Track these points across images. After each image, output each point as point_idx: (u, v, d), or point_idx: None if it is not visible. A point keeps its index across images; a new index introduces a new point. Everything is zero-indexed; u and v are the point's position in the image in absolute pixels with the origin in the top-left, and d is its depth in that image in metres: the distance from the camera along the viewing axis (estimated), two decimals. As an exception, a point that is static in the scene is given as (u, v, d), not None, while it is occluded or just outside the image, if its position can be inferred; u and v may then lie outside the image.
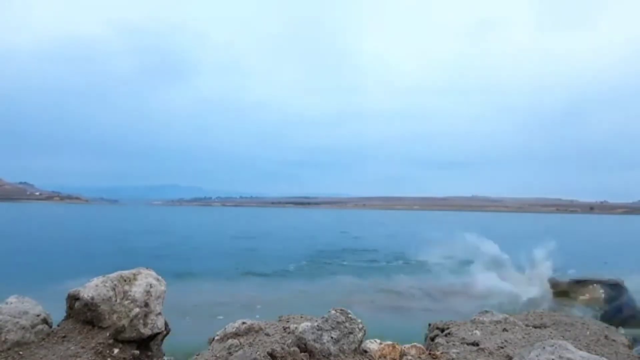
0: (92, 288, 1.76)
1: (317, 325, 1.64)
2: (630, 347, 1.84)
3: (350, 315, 1.74)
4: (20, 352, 1.55)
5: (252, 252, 26.06)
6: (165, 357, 1.95)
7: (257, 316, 2.25)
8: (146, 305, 1.83)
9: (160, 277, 2.00)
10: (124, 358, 1.69)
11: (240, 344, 1.79)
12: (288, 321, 2.06)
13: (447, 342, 1.86)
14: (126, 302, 1.77)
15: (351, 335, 1.66)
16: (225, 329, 2.01)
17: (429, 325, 2.26)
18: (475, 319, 2.16)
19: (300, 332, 1.64)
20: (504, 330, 1.93)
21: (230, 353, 1.72)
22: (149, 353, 1.87)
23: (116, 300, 1.75)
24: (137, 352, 1.77)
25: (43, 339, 1.68)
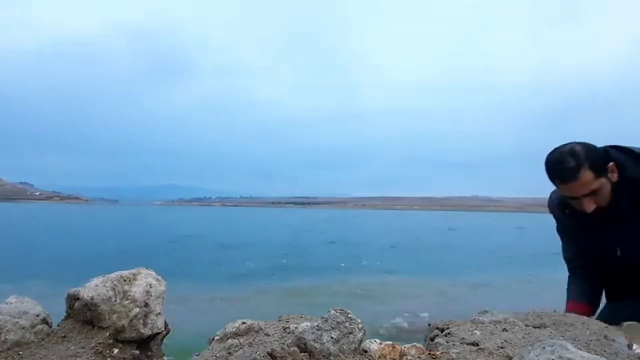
0: (91, 288, 1.76)
1: (317, 325, 1.64)
2: (630, 347, 1.84)
3: (350, 315, 1.74)
4: (20, 352, 1.54)
5: (247, 250, 26.04)
6: (165, 357, 1.95)
7: (257, 316, 2.25)
8: (146, 305, 1.83)
9: (160, 277, 2.00)
10: (124, 358, 1.69)
11: (240, 344, 1.79)
12: (288, 321, 2.06)
13: (447, 342, 1.86)
14: (126, 302, 1.77)
15: (351, 335, 1.66)
16: (225, 329, 2.01)
17: (429, 325, 2.26)
18: (475, 319, 2.16)
19: (300, 332, 1.64)
20: (504, 330, 1.93)
21: (230, 353, 1.72)
22: (149, 353, 1.87)
23: (116, 300, 1.74)
24: (137, 352, 1.76)
25: (43, 339, 1.68)
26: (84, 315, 1.73)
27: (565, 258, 3.13)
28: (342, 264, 22.01)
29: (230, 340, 1.86)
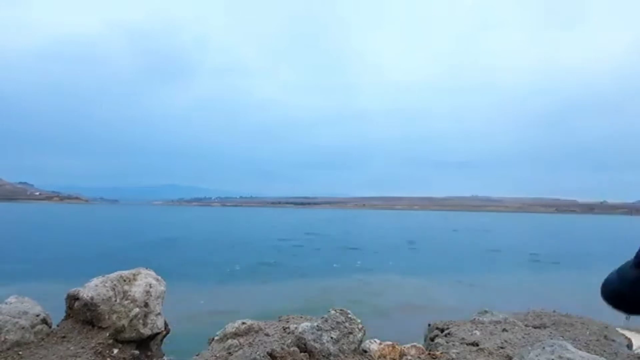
0: (91, 288, 1.76)
1: (317, 326, 1.64)
2: (630, 347, 1.85)
3: (349, 315, 1.74)
4: (20, 352, 1.55)
5: (247, 250, 26.03)
6: (165, 357, 1.95)
7: (257, 316, 2.25)
8: (146, 305, 1.83)
9: (159, 277, 2.00)
10: (124, 358, 1.69)
11: (240, 344, 1.79)
12: (288, 321, 2.06)
13: (447, 342, 1.86)
14: (126, 302, 1.77)
15: (351, 336, 1.66)
16: (225, 329, 2.01)
17: (429, 325, 2.27)
18: (475, 319, 2.16)
19: (300, 332, 1.64)
20: (504, 330, 1.94)
21: (230, 353, 1.72)
22: (149, 353, 1.87)
23: (116, 301, 1.75)
24: (136, 352, 1.77)
25: (42, 339, 1.68)
26: (84, 315, 1.73)
27: None
28: (343, 264, 21.99)
29: (230, 340, 1.86)
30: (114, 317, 1.71)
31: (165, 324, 1.95)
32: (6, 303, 1.73)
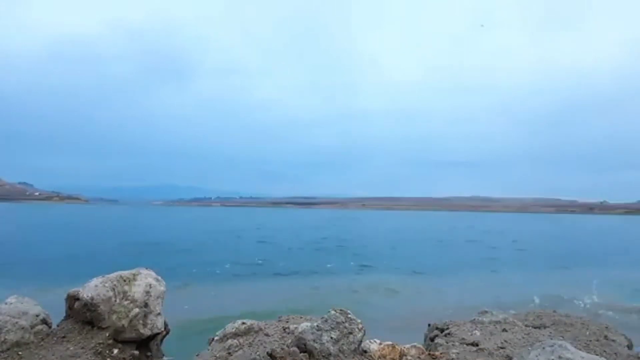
0: (91, 288, 1.76)
1: (317, 326, 1.64)
2: (630, 347, 1.85)
3: (349, 316, 1.74)
4: (20, 353, 1.55)
5: (247, 251, 26.05)
6: (165, 357, 1.95)
7: (257, 316, 2.25)
8: (146, 305, 1.83)
9: (159, 278, 2.00)
10: (124, 358, 1.69)
11: (240, 344, 1.79)
12: (288, 321, 2.06)
13: (447, 343, 1.86)
14: (126, 303, 1.77)
15: (351, 336, 1.66)
16: (225, 329, 2.01)
17: (429, 325, 2.27)
18: (474, 319, 2.16)
19: (299, 332, 1.64)
20: (504, 330, 1.94)
21: (230, 353, 1.73)
22: (149, 353, 1.87)
23: (116, 301, 1.75)
24: (136, 352, 1.77)
25: (42, 339, 1.68)
26: (84, 315, 1.73)
27: None
28: (342, 264, 22.01)
29: (230, 341, 1.86)
30: (114, 317, 1.71)
31: (165, 324, 1.95)
32: (6, 303, 1.74)
